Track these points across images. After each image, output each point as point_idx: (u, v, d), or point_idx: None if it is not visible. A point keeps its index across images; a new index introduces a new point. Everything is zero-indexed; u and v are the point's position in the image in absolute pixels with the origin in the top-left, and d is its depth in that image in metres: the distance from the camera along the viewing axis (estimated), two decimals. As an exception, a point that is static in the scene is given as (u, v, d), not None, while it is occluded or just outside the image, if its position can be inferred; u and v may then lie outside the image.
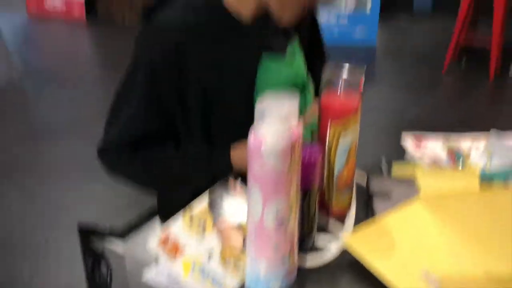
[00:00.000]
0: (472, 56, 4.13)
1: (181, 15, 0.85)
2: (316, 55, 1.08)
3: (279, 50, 0.90)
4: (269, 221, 0.58)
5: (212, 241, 0.66)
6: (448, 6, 5.40)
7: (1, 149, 2.76)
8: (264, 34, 0.89)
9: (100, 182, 1.68)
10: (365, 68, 0.71)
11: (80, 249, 0.69)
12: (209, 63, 0.85)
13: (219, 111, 0.88)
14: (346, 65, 0.71)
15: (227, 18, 0.85)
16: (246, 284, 0.62)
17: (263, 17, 0.86)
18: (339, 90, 0.71)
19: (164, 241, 0.63)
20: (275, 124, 0.55)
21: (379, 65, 4.23)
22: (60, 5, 6.70)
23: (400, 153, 0.97)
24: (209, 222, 0.68)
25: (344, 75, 0.71)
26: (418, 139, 1.02)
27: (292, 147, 0.56)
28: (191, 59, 0.83)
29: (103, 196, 2.19)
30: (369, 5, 4.53)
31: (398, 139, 1.01)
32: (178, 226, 0.65)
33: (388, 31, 5.45)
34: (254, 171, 0.56)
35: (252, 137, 0.56)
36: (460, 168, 0.93)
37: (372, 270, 0.62)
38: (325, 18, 4.51)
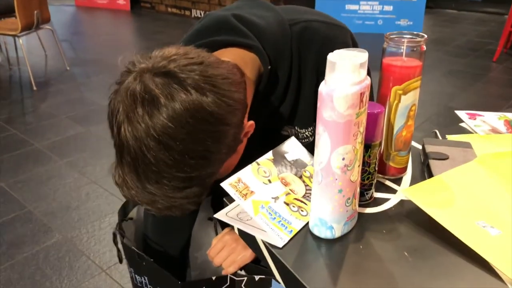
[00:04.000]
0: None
1: None
2: None
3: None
4: (336, 165, 0.62)
5: (277, 188, 0.71)
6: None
7: (57, 132, 2.97)
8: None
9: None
10: (426, 37, 0.74)
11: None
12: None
13: None
14: (408, 33, 0.75)
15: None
16: (310, 224, 0.67)
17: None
18: (402, 55, 0.75)
19: (237, 182, 0.68)
20: (346, 73, 0.59)
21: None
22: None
23: (453, 130, 0.99)
24: (274, 172, 0.73)
25: (407, 41, 0.74)
26: (472, 115, 1.04)
27: (361, 96, 0.60)
28: None
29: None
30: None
31: (449, 118, 1.03)
32: (248, 171, 0.71)
33: (434, 20, 5.33)
34: (324, 117, 0.61)
35: (323, 85, 0.60)
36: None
37: (430, 216, 0.66)
38: (369, 6, 4.47)
